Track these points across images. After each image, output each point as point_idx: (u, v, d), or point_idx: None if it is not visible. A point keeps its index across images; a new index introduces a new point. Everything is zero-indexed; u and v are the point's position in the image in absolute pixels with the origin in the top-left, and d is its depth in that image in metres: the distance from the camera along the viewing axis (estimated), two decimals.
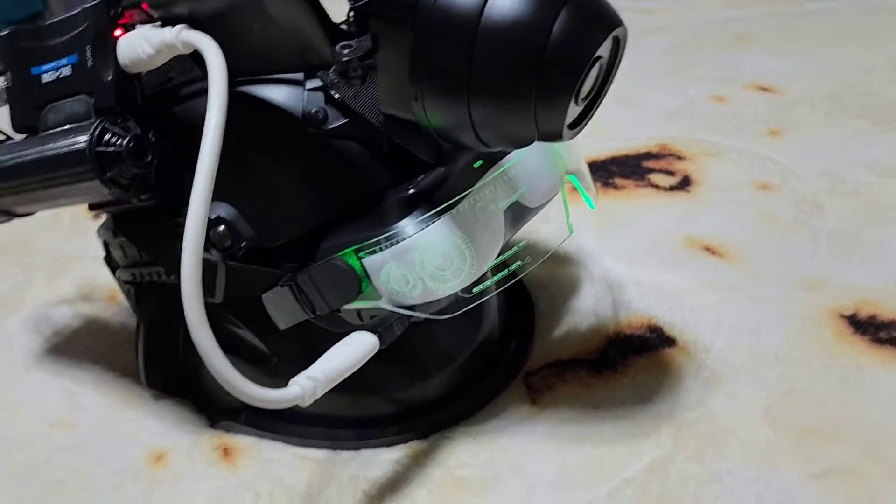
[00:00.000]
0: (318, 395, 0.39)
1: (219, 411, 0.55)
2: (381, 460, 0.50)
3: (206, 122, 0.38)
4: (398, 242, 0.41)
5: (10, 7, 2.55)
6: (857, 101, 0.89)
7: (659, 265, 0.64)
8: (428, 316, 0.43)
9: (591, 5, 0.35)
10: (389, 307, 0.43)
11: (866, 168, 0.75)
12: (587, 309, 0.60)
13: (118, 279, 0.56)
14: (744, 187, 0.73)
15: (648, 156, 0.80)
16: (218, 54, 0.39)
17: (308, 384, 0.39)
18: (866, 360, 0.53)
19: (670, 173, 0.77)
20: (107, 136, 0.42)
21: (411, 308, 0.43)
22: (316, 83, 0.43)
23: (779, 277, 0.61)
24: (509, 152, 0.45)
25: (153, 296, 0.55)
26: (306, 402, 0.39)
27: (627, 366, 0.54)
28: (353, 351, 0.41)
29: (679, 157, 0.79)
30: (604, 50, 0.36)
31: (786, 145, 0.80)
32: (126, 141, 0.43)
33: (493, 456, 0.49)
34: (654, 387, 0.52)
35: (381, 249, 0.41)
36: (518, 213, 0.47)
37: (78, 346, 0.65)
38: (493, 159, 0.45)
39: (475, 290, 0.44)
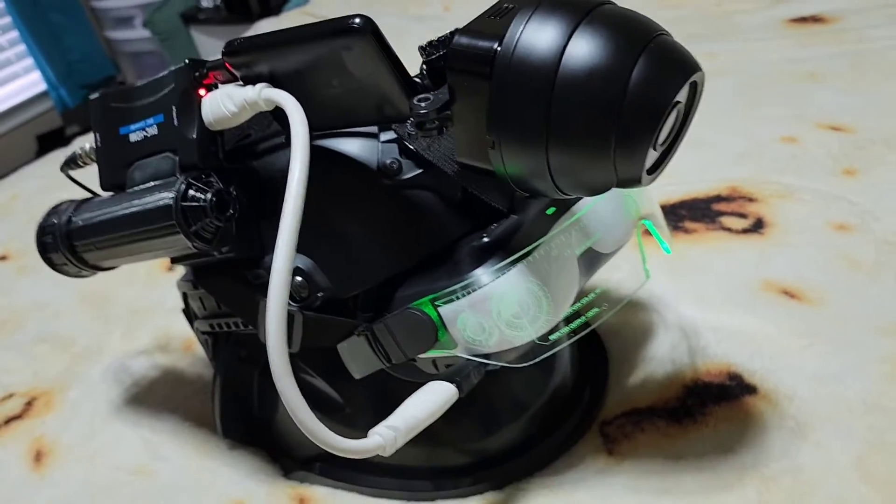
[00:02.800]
0: (399, 445, 0.39)
1: (293, 462, 0.55)
2: None
3: (289, 178, 0.38)
4: (474, 291, 0.41)
5: (85, 72, 2.71)
6: None
7: (735, 310, 0.62)
8: (504, 364, 0.43)
9: (669, 51, 0.35)
10: (465, 356, 0.43)
11: None
12: (663, 356, 0.59)
13: (196, 330, 0.58)
14: (820, 229, 0.71)
15: (719, 199, 0.79)
16: (299, 111, 0.40)
17: (388, 434, 0.39)
18: None
19: (742, 216, 0.75)
20: (191, 192, 0.44)
21: (487, 356, 0.43)
22: (390, 135, 0.44)
23: (863, 321, 0.58)
24: (582, 198, 0.45)
25: (230, 347, 0.56)
26: (388, 452, 0.39)
27: (707, 415, 0.52)
28: (432, 399, 0.41)
29: (750, 200, 0.77)
30: (682, 95, 0.36)
31: (862, 185, 0.77)
32: (209, 195, 0.44)
33: None
34: (736, 437, 0.50)
35: (457, 298, 0.41)
36: (592, 259, 0.47)
37: (155, 396, 0.66)
38: (565, 206, 0.45)
39: (551, 337, 0.43)
